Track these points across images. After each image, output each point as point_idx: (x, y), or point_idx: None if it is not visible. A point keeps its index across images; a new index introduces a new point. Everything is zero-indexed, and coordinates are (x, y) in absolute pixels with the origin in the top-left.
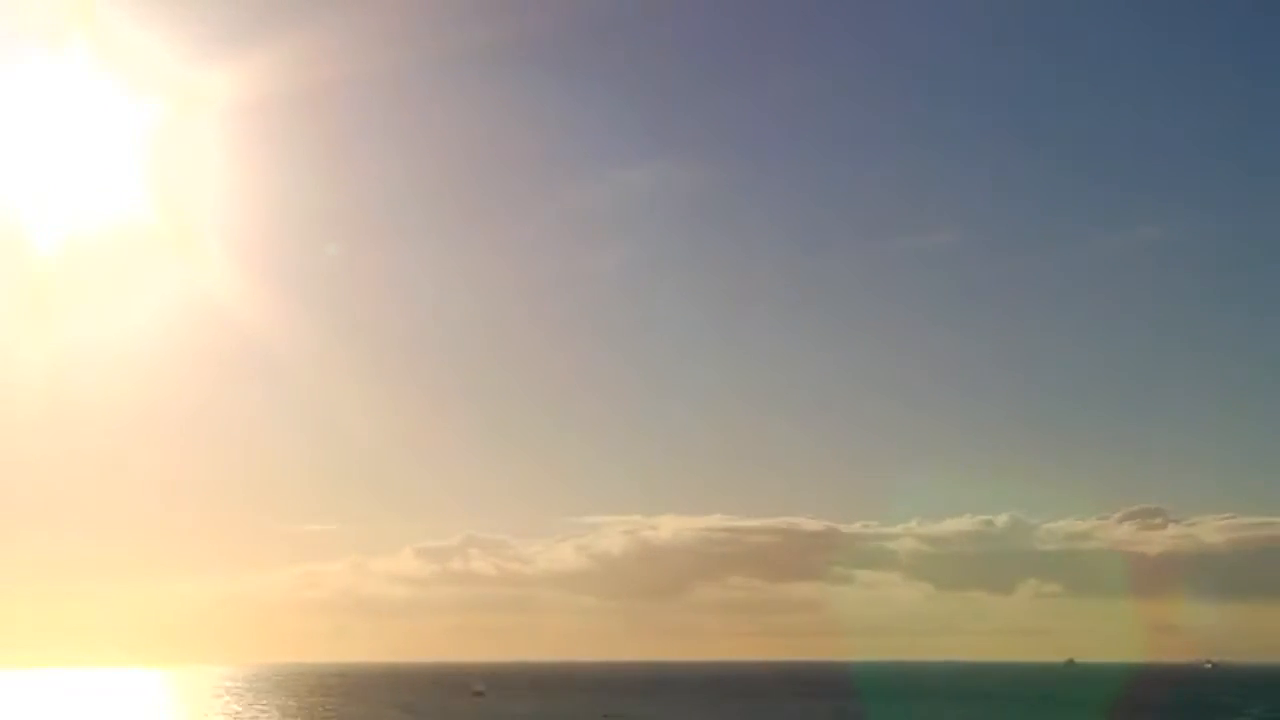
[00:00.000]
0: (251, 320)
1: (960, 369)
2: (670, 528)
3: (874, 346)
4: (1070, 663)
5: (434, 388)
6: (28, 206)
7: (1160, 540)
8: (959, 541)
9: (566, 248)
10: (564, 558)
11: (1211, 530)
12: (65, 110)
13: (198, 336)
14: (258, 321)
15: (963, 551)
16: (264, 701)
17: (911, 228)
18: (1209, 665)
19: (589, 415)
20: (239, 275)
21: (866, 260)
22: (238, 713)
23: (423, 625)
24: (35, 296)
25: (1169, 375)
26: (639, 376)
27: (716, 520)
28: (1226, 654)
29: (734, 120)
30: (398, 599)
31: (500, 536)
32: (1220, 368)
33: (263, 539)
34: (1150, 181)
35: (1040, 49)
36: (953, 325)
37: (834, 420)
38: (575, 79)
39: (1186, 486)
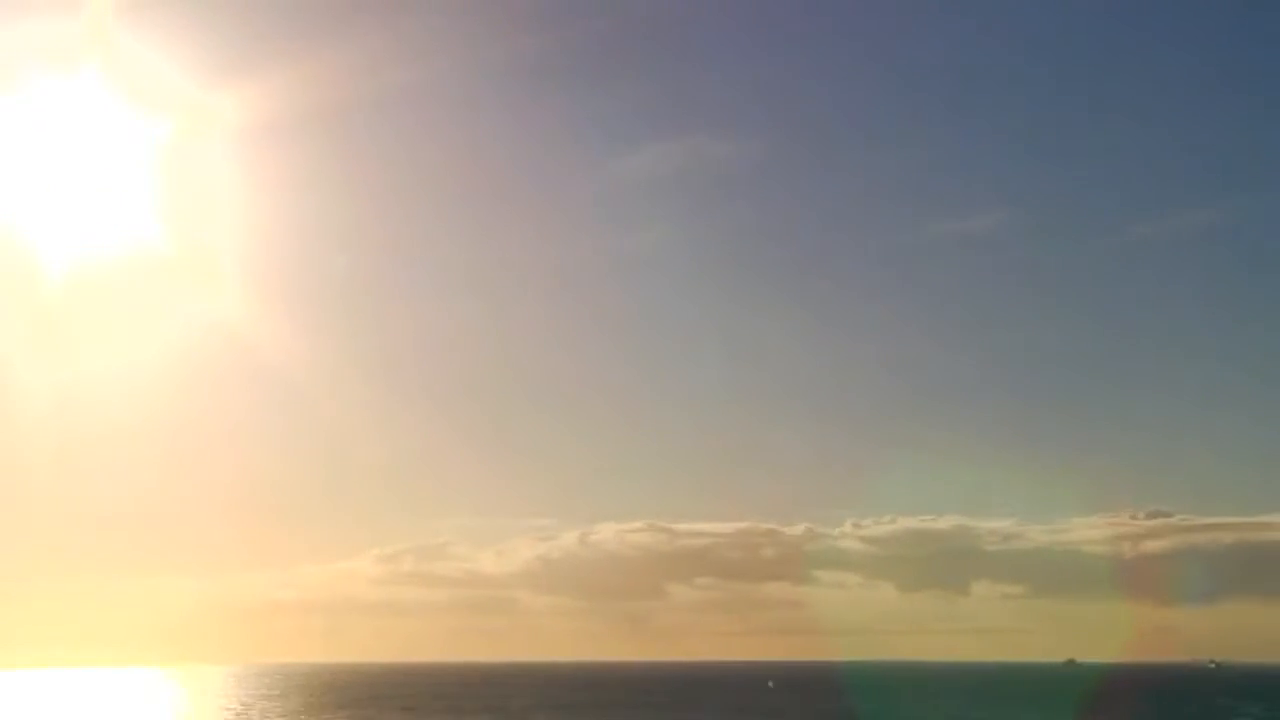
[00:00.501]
0: (260, 337)
1: (953, 364)
2: (617, 531)
3: (872, 342)
4: (1070, 663)
5: (434, 392)
6: (39, 228)
7: (1137, 540)
8: (917, 541)
9: (586, 234)
10: (526, 559)
11: (1191, 530)
12: (77, 132)
13: (206, 353)
14: (267, 338)
15: (922, 552)
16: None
17: (949, 212)
18: (1213, 665)
19: (575, 417)
20: (251, 295)
21: (893, 247)
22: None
23: (412, 626)
24: (47, 316)
25: (1170, 373)
26: (633, 375)
27: (678, 525)
28: (1232, 654)
29: (770, 92)
30: (378, 601)
31: (475, 537)
32: (1227, 364)
33: (249, 542)
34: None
35: (1087, 26)
36: (959, 318)
37: (796, 419)
38: (592, 66)
39: (1162, 487)
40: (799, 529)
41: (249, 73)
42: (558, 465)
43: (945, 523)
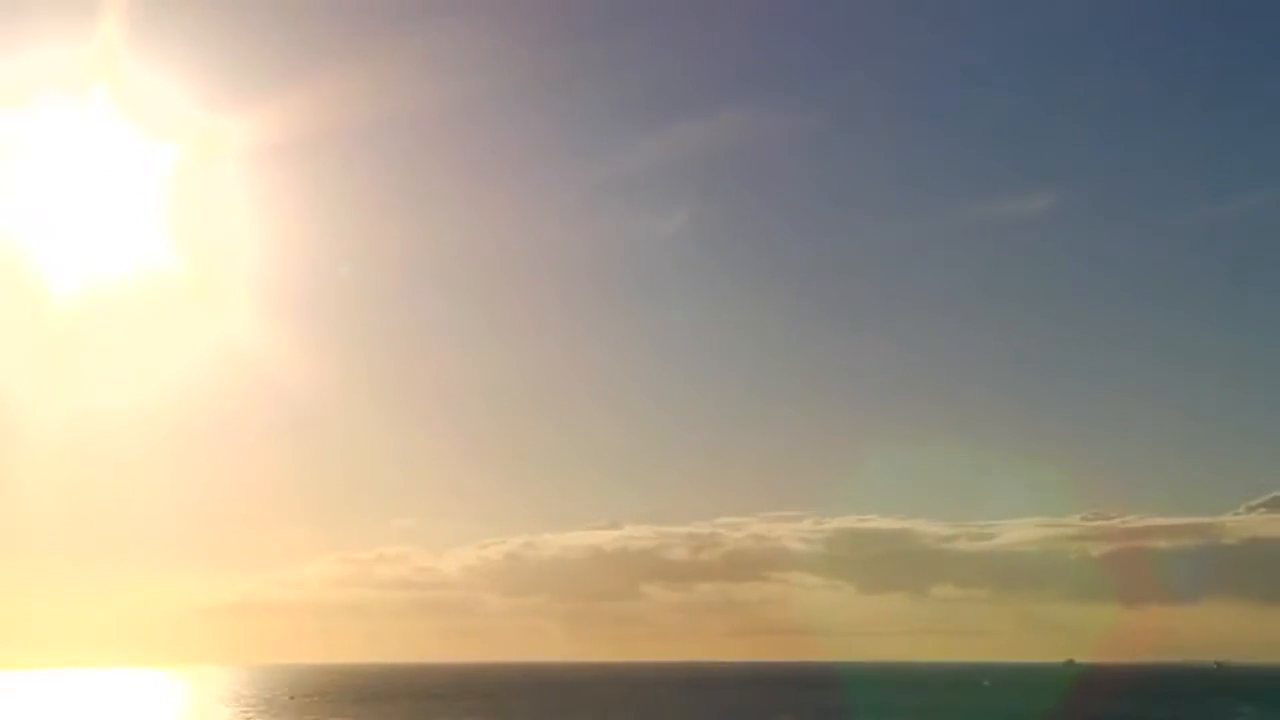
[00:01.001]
0: (262, 353)
1: (936, 363)
2: (578, 533)
3: (854, 341)
4: (1070, 663)
5: (421, 399)
6: (50, 249)
7: (1112, 541)
8: (873, 542)
9: (606, 217)
10: (493, 561)
11: (1163, 531)
12: (87, 156)
13: (210, 369)
14: (269, 354)
15: (879, 552)
16: None
17: (1000, 192)
18: (1215, 665)
19: (554, 419)
20: (255, 313)
21: (884, 241)
22: None
23: (381, 628)
24: (57, 334)
25: (1151, 374)
26: (618, 376)
27: (638, 526)
28: (1206, 654)
29: (820, 64)
30: (361, 602)
31: (434, 540)
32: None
33: (239, 546)
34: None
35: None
36: (972, 309)
37: (764, 419)
38: (611, 46)
39: (1135, 488)
40: (755, 530)
41: (254, 98)
42: (539, 467)
43: (904, 523)
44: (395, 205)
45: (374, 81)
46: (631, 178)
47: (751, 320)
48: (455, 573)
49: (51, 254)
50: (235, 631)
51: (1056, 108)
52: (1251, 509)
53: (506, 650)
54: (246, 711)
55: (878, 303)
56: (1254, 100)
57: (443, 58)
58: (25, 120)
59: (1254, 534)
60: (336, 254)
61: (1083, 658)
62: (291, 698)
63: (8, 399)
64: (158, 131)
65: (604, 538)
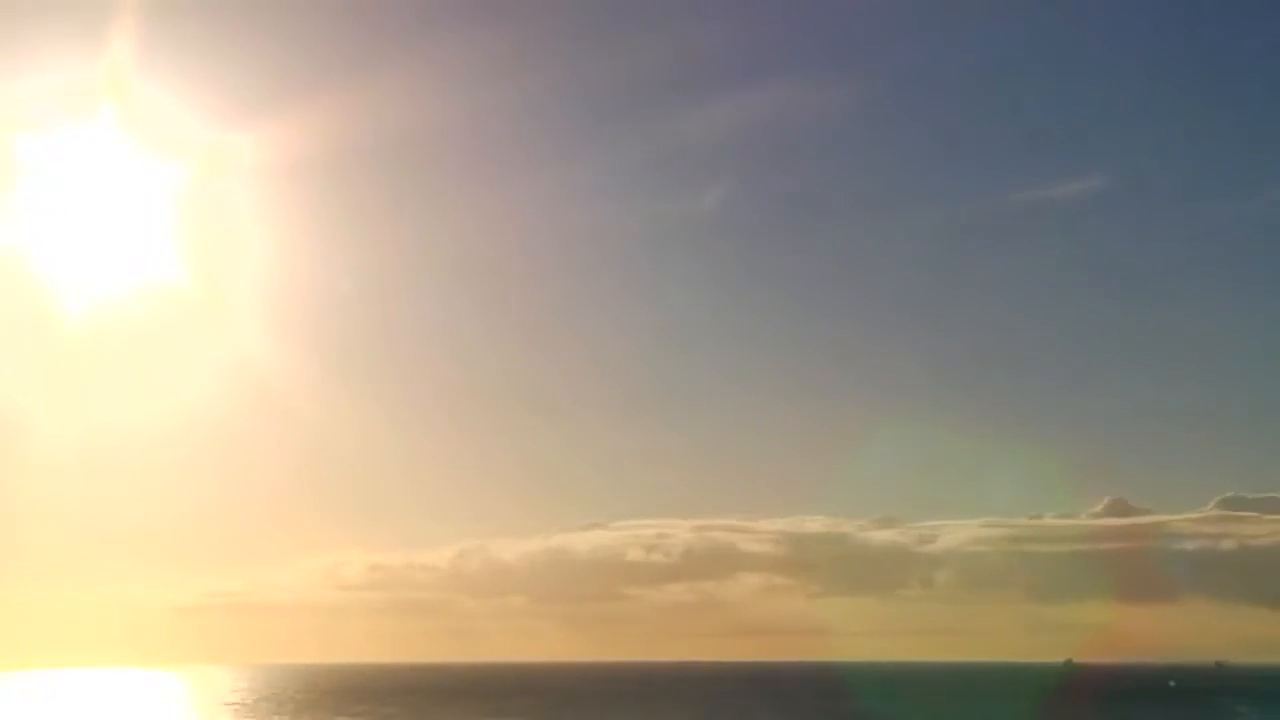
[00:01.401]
0: (272, 370)
1: (924, 359)
2: (562, 535)
3: (868, 332)
4: (1069, 662)
5: (429, 399)
6: (61, 270)
7: (1101, 538)
8: (857, 542)
9: (597, 215)
10: (475, 563)
11: (1154, 528)
12: (97, 176)
13: (220, 386)
14: (279, 371)
15: (860, 552)
16: None
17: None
18: (1215, 665)
19: (539, 422)
20: (266, 331)
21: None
22: None
23: (384, 628)
24: (67, 354)
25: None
26: (610, 374)
27: (620, 523)
28: (1239, 655)
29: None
30: (346, 603)
31: (418, 542)
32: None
33: (228, 548)
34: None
35: None
36: (964, 305)
37: (744, 418)
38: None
39: (1120, 481)
40: (723, 532)
41: (263, 115)
42: (532, 468)
43: (879, 524)
44: (406, 219)
45: (383, 96)
46: (635, 169)
47: (741, 319)
48: (439, 574)
49: (62, 273)
50: (227, 632)
51: (1077, 101)
52: (1217, 507)
53: (490, 650)
54: (247, 710)
55: (872, 299)
56: (1255, 98)
57: (452, 70)
58: (34, 141)
59: (1216, 533)
60: (347, 270)
61: (1068, 656)
62: (295, 695)
63: (20, 415)
64: (167, 150)
65: (581, 539)
